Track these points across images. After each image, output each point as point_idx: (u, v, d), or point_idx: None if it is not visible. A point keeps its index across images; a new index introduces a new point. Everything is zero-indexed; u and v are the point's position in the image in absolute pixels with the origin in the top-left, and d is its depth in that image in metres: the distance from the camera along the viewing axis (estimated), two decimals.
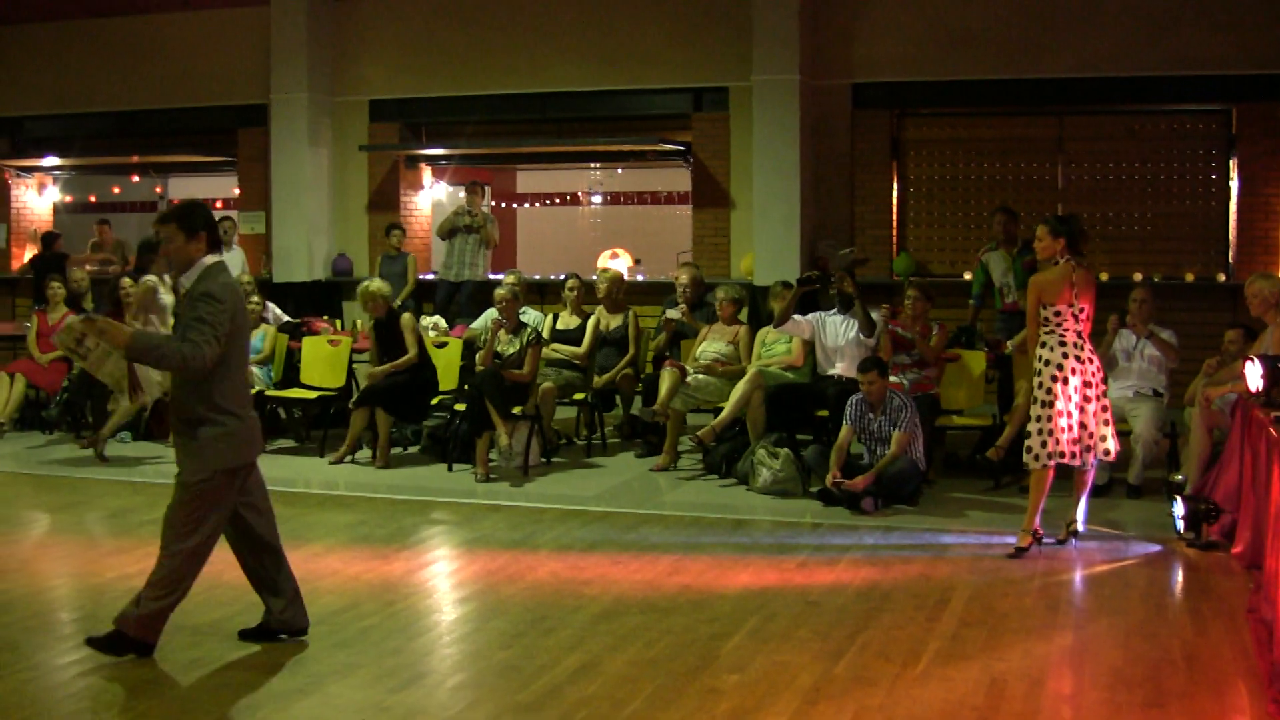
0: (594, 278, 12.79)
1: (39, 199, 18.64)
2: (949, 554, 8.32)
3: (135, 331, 5.94)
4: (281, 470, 11.09)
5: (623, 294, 12.41)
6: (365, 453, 11.55)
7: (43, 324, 13.25)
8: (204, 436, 5.85)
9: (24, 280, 16.92)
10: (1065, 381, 7.93)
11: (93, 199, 19.45)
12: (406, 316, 11.48)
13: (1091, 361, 8.04)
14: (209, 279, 5.88)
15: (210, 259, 5.95)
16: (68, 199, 19.10)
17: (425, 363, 11.32)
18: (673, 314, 12.04)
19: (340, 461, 11.14)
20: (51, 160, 17.92)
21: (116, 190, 19.48)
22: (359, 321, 13.08)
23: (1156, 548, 8.44)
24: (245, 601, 7.16)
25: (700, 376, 11.02)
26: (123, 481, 10.88)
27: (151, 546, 8.21)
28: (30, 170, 18.30)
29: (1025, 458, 8.05)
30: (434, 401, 11.35)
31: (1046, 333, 7.98)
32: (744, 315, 12.06)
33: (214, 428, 5.83)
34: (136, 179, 19.08)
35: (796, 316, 10.69)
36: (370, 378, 11.16)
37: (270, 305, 13.49)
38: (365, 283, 11.45)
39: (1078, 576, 7.82)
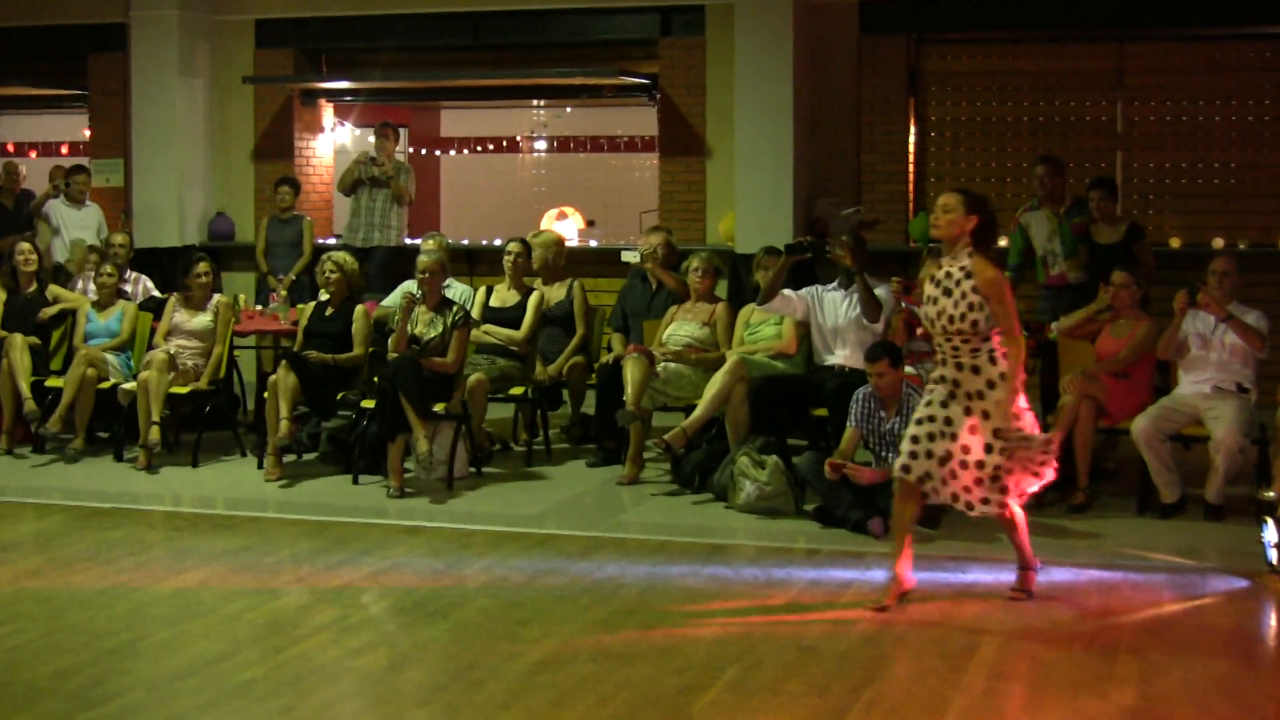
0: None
1: None
2: (977, 589, 8.33)
3: None
4: (146, 484, 11.05)
5: (564, 261, 12.41)
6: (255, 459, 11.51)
7: None
8: None
9: None
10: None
11: None
12: (362, 308, 11.57)
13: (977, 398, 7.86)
14: None
15: None
16: None
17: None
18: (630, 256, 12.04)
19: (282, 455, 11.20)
20: None
21: None
22: (242, 297, 13.01)
23: (1242, 582, 8.48)
24: (96, 649, 7.12)
25: (670, 366, 11.01)
26: None
27: None
28: None
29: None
30: (338, 397, 11.32)
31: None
32: (723, 290, 12.06)
33: None
34: None
35: (787, 292, 10.69)
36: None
37: (140, 277, 13.41)
38: (331, 253, 11.75)
39: (1142, 617, 7.85)
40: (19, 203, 15.92)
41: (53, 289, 12.78)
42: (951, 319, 7.63)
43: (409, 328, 11.10)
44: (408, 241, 14.97)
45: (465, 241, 15.32)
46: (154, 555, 9.12)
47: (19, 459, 11.92)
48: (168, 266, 13.88)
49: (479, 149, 19.13)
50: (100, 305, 12.40)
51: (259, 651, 7.20)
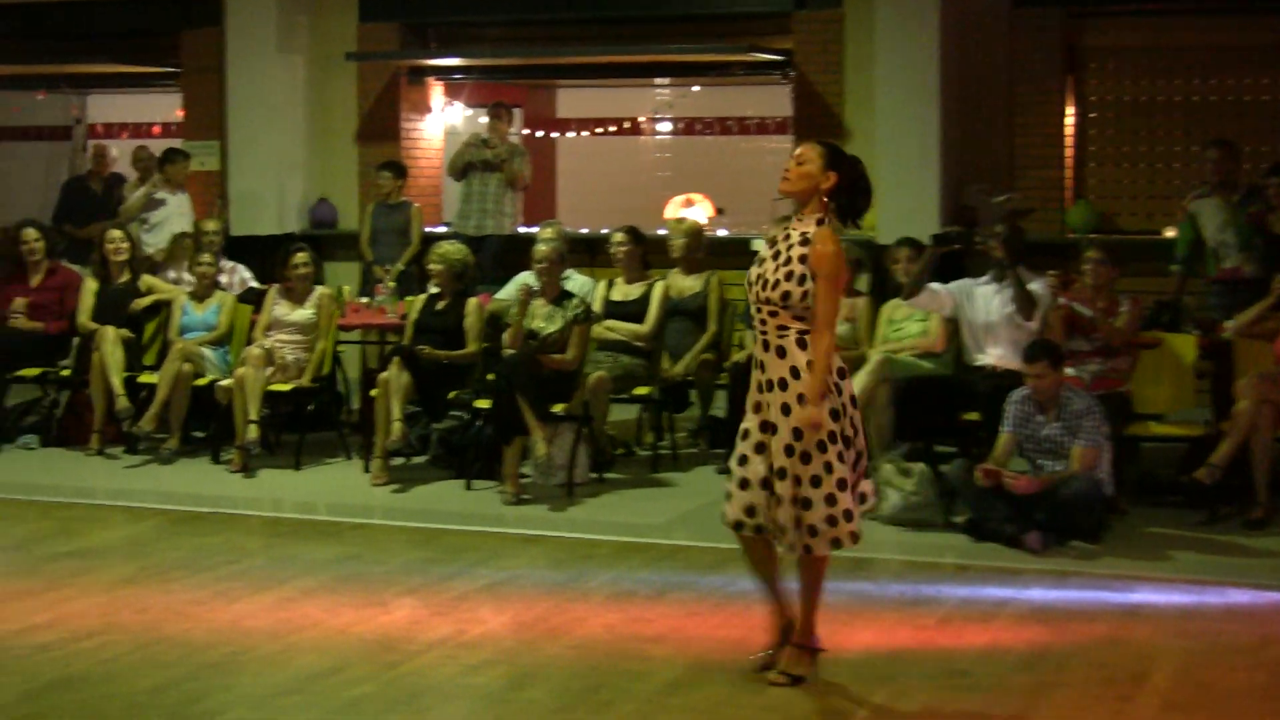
0: (662, 231, 12.76)
1: None
2: (1146, 611, 8.24)
3: None
4: (244, 488, 11.20)
5: (703, 251, 12.42)
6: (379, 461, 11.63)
7: None
8: None
9: None
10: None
11: None
12: (475, 302, 11.66)
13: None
14: None
15: None
16: None
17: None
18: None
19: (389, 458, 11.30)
20: None
21: (17, 110, 19.68)
22: (346, 288, 13.12)
23: None
24: (195, 662, 7.21)
25: None
26: (26, 501, 11.02)
27: (71, 587, 8.35)
28: None
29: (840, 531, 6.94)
30: (449, 396, 11.38)
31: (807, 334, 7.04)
32: (863, 284, 12.00)
33: None
34: (44, 96, 19.27)
35: (934, 286, 10.62)
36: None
37: (236, 267, 13.56)
38: (441, 243, 11.86)
39: None
40: (109, 187, 16.17)
41: (146, 279, 12.94)
42: (765, 284, 6.96)
43: (525, 322, 11.14)
44: (521, 230, 15.02)
45: (585, 230, 15.33)
46: (254, 564, 9.23)
47: (111, 459, 12.10)
48: (266, 256, 14.01)
49: (598, 131, 19.16)
50: (197, 297, 12.56)
51: (369, 667, 7.25)
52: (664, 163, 19.14)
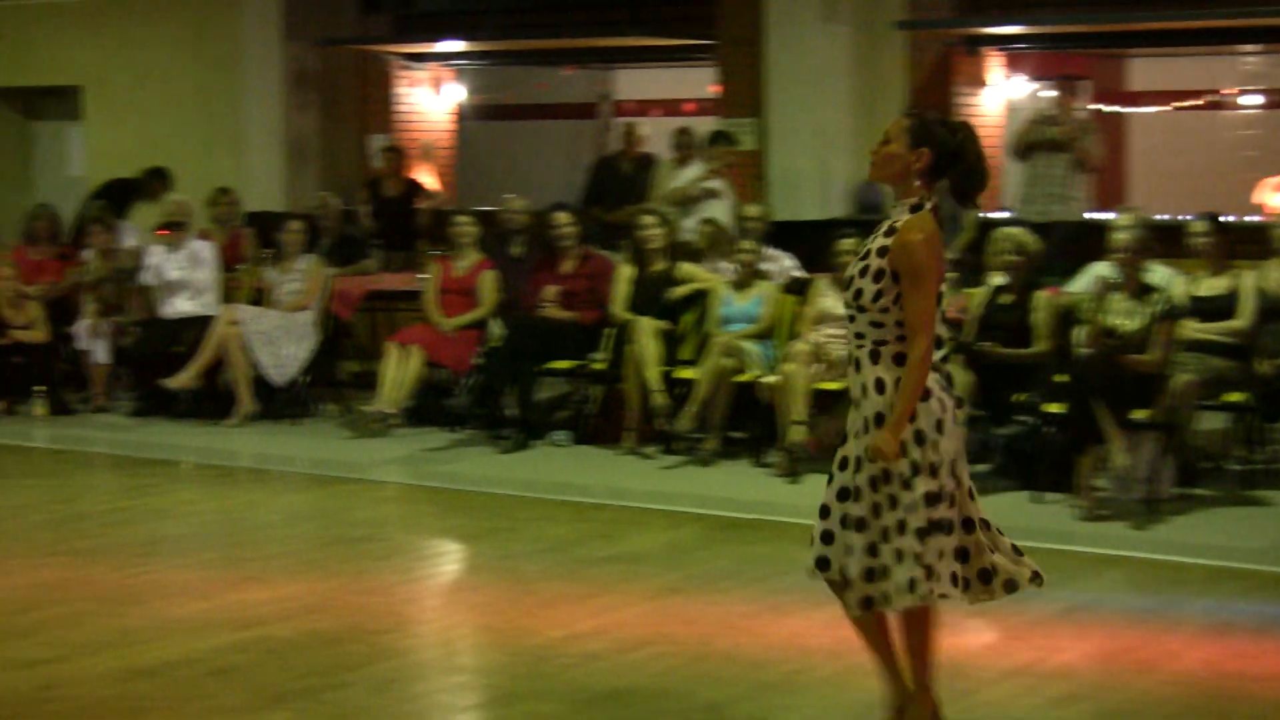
0: (1252, 218, 12.33)
1: (435, 100, 19.73)
2: None
3: None
4: (788, 493, 11.37)
5: None
6: None
7: (445, 276, 13.98)
8: None
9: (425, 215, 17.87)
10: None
11: (511, 99, 20.42)
12: (1044, 295, 11.60)
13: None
14: None
15: None
16: (475, 100, 20.12)
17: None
18: None
19: None
20: (452, 45, 18.88)
21: (543, 87, 20.35)
22: None
23: None
24: (752, 680, 7.31)
25: None
26: (557, 501, 11.39)
27: (615, 594, 8.59)
28: (422, 60, 19.36)
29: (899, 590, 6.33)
30: (1015, 399, 11.27)
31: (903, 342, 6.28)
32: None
33: None
34: (571, 72, 19.86)
35: None
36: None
37: (780, 254, 13.71)
38: (1006, 230, 11.81)
39: None
40: (639, 167, 16.59)
41: (684, 267, 13.19)
42: (849, 283, 6.36)
43: (1103, 318, 10.94)
44: (1090, 215, 14.76)
45: (1164, 216, 14.96)
46: (805, 576, 9.29)
47: (645, 459, 12.42)
48: (810, 242, 14.13)
49: (1175, 105, 18.73)
50: (738, 286, 12.75)
51: (941, 694, 7.21)
52: (1250, 140, 18.58)
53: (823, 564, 6.43)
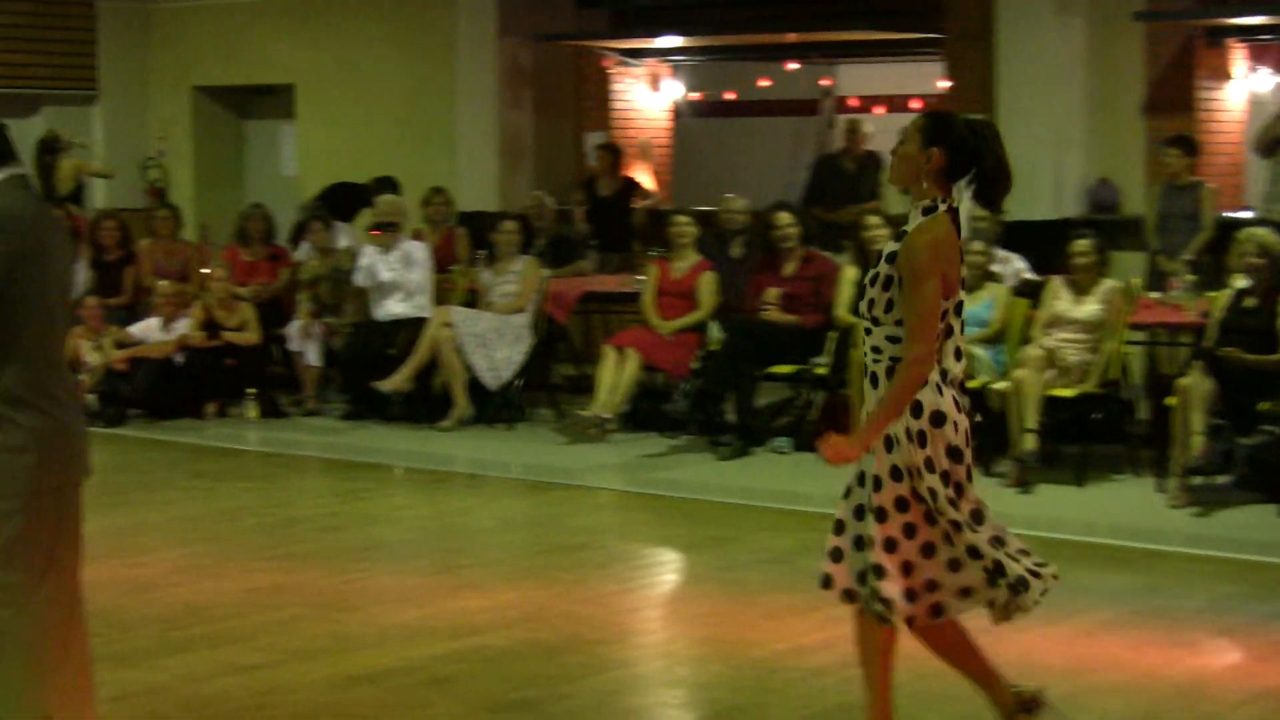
0: None
1: (652, 97, 19.81)
2: None
3: None
4: (1020, 504, 11.33)
5: None
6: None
7: (663, 277, 14.04)
8: None
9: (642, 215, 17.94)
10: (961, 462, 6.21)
11: (730, 95, 20.45)
12: None
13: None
14: None
15: None
16: (694, 96, 20.17)
17: None
18: None
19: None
20: (671, 40, 18.94)
21: (765, 83, 20.36)
22: (1135, 281, 12.93)
23: None
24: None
25: None
26: (779, 510, 11.42)
27: (839, 608, 8.57)
28: (640, 55, 19.45)
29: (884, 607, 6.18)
30: (1261, 408, 11.10)
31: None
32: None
33: (6, 431, 5.71)
34: (793, 67, 19.85)
35: None
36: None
37: (1011, 256, 13.60)
38: (1251, 230, 11.63)
39: None
40: (862, 166, 16.55)
41: None
42: (862, 293, 6.26)
43: None
44: None
45: None
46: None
47: None
48: (1042, 243, 14.02)
49: None
50: (968, 288, 12.61)
51: (1184, 716, 7.13)
52: None
53: (825, 581, 6.32)
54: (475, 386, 14.40)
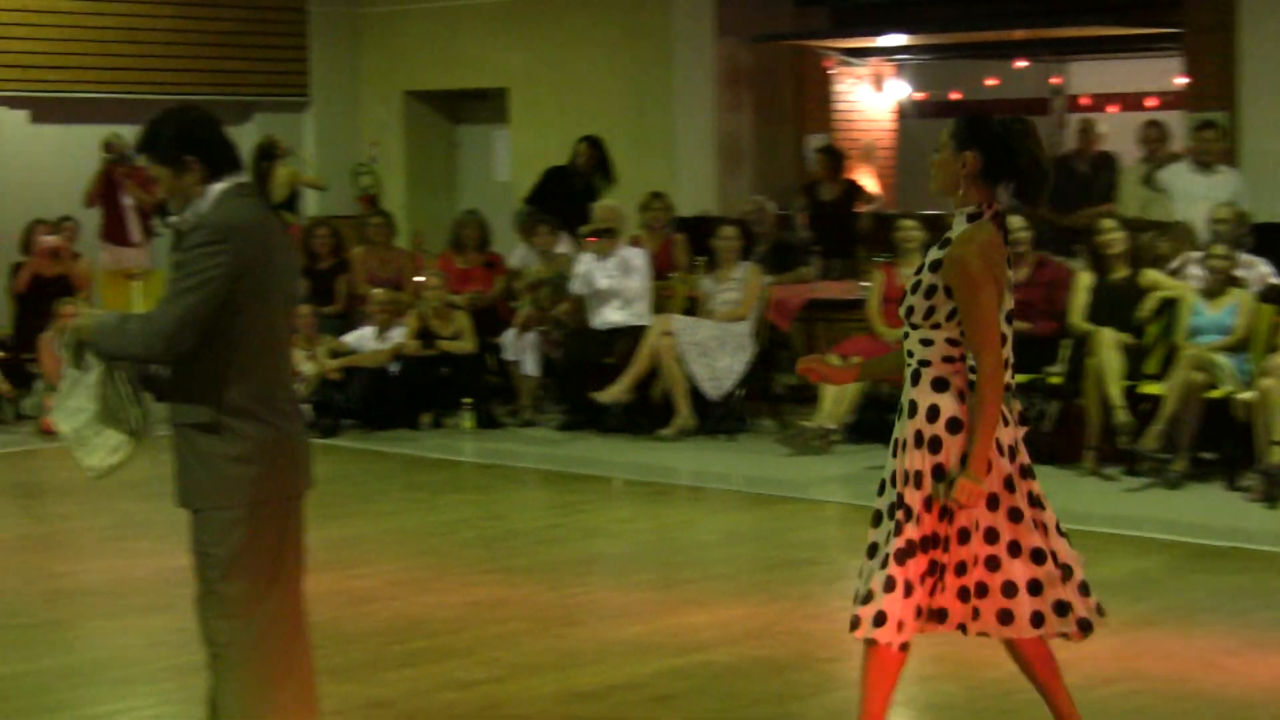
0: None
1: (876, 97, 19.73)
2: None
3: (96, 315, 5.86)
4: (1268, 520, 11.15)
5: None
6: None
7: (889, 284, 13.97)
8: (213, 454, 5.69)
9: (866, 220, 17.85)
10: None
11: (956, 95, 20.32)
12: None
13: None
14: (214, 210, 5.71)
15: (222, 185, 5.76)
16: (918, 96, 20.07)
17: None
18: None
19: None
20: (895, 39, 18.84)
21: (992, 82, 20.20)
22: None
23: None
24: None
25: None
26: None
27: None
28: (862, 55, 19.37)
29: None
30: None
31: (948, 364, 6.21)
32: None
33: (229, 441, 5.69)
34: (1022, 65, 19.67)
35: None
36: None
37: (1256, 260, 13.37)
38: None
39: None
40: (1095, 167, 16.34)
41: (1148, 274, 12.94)
42: (902, 299, 6.29)
43: None
44: None
45: None
46: None
47: (1107, 480, 12.29)
48: None
49: None
50: (1209, 294, 12.48)
51: None
52: None
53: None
54: (695, 396, 14.42)
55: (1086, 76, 20.07)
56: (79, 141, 19.50)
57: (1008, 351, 6.20)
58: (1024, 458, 6.28)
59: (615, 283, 14.94)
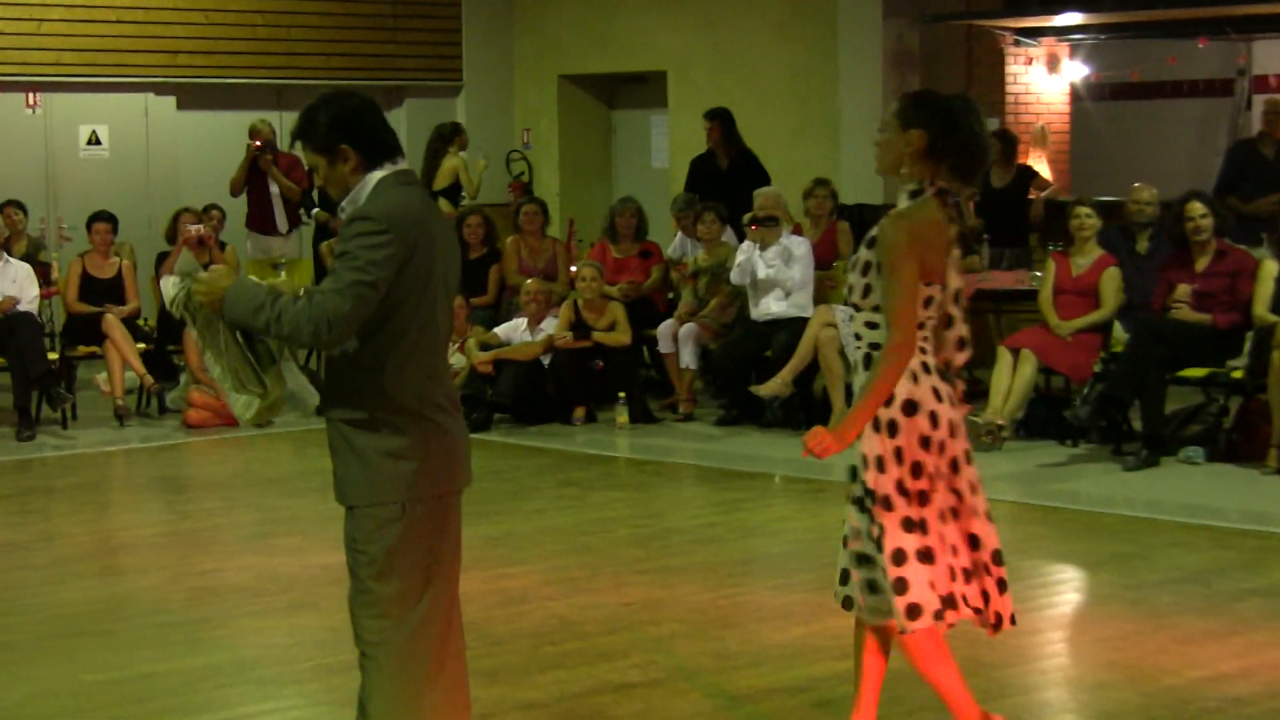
0: None
1: (1050, 79, 19.60)
2: None
3: (236, 279, 5.79)
4: None
5: None
6: None
7: (1062, 274, 13.87)
8: (370, 449, 5.66)
9: (1038, 207, 17.76)
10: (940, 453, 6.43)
11: (1134, 76, 20.15)
12: None
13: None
14: (374, 199, 5.67)
15: (380, 173, 5.71)
16: (1094, 78, 19.91)
17: None
18: None
19: None
20: (1070, 18, 18.71)
21: (1173, 62, 20.03)
22: None
23: None
24: None
25: None
26: (1190, 525, 11.27)
27: (1264, 632, 8.41)
28: (1036, 35, 19.25)
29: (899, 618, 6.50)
30: None
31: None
32: None
33: (385, 436, 5.67)
34: (1205, 44, 19.48)
35: None
36: None
37: None
38: None
39: None
40: None
41: None
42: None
43: None
44: None
45: None
46: None
47: None
48: None
49: None
50: None
51: None
52: None
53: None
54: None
55: (1273, 56, 19.83)
56: (226, 128, 19.80)
57: (960, 331, 6.45)
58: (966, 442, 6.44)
59: (776, 273, 14.88)
